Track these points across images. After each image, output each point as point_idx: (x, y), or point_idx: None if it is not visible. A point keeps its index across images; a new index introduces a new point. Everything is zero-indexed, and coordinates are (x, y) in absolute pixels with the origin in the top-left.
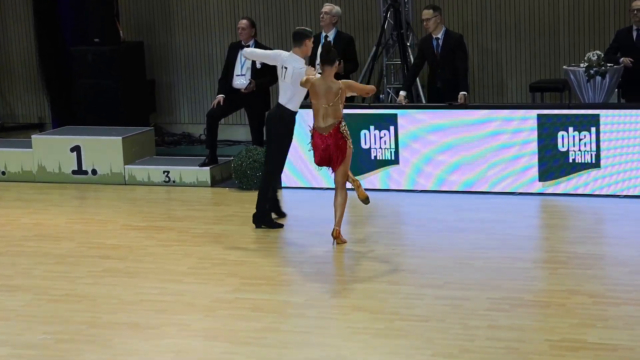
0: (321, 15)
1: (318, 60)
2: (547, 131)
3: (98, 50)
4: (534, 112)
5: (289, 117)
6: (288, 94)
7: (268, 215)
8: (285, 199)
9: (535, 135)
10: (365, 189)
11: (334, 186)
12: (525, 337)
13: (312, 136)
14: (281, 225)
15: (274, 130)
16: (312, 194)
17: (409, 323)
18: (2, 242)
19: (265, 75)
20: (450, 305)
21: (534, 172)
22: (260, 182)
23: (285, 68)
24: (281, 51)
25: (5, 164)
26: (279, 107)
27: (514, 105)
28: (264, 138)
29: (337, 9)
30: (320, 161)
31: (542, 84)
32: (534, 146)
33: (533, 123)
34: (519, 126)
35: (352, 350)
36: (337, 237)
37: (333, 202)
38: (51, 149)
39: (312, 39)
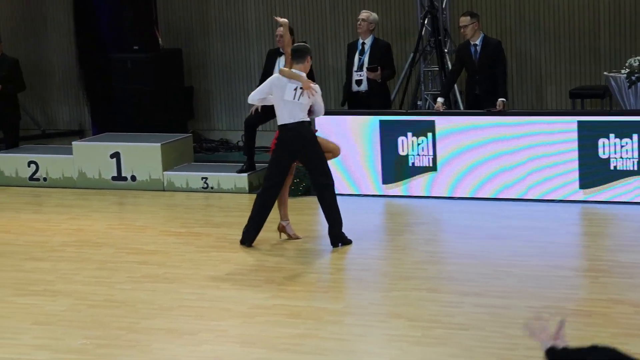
0: (358, 22)
1: (355, 67)
2: (587, 138)
3: (137, 57)
4: (574, 119)
5: (311, 129)
6: (302, 112)
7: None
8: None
9: (575, 142)
10: (404, 196)
11: (369, 193)
12: None
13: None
14: (350, 241)
15: (309, 148)
16: (347, 201)
17: (448, 331)
18: (43, 248)
19: None
20: (490, 313)
21: (575, 179)
22: (323, 201)
23: (301, 89)
24: (272, 77)
25: (47, 170)
26: (302, 125)
27: (554, 111)
28: (291, 156)
29: (374, 15)
30: None
31: (582, 90)
32: (574, 153)
33: (573, 130)
34: (559, 133)
35: (390, 357)
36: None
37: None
38: (91, 156)
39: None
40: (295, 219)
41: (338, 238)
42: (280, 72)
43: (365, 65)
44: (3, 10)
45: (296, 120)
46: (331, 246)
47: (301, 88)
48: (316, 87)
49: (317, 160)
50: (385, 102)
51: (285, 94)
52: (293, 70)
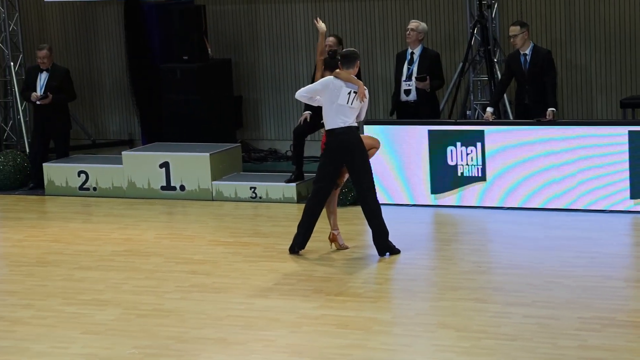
0: (407, 32)
1: (404, 77)
2: (638, 148)
3: (186, 67)
4: (625, 129)
5: (358, 134)
6: (353, 115)
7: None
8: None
9: (626, 152)
10: (452, 206)
11: (418, 203)
12: (618, 358)
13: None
14: (399, 251)
15: (357, 153)
16: (396, 211)
17: (496, 342)
18: (93, 257)
19: None
20: (539, 324)
21: (625, 188)
22: (366, 207)
23: (355, 92)
24: (327, 78)
25: (97, 179)
26: (350, 130)
27: (604, 121)
28: (338, 161)
29: (423, 25)
30: None
31: (633, 99)
32: (625, 163)
33: (624, 139)
34: (609, 143)
35: None
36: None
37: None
38: (141, 165)
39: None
40: (343, 228)
41: (385, 248)
42: (337, 74)
43: (414, 74)
44: (55, 21)
45: (346, 125)
46: (379, 256)
47: (355, 92)
48: (367, 92)
49: (362, 166)
50: (434, 111)
51: (340, 98)
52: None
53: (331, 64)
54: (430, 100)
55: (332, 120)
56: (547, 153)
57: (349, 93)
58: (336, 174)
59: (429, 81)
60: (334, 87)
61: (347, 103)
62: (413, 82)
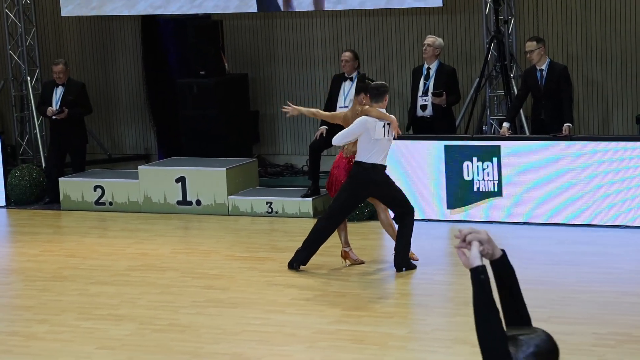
0: (424, 47)
1: (420, 92)
2: None
3: (203, 82)
4: None
5: (384, 173)
6: (389, 146)
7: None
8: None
9: None
10: (469, 221)
11: (434, 218)
12: None
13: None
14: (415, 266)
15: (383, 188)
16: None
17: None
18: (108, 272)
19: None
20: (556, 340)
21: None
22: (404, 228)
23: (388, 125)
24: (362, 119)
25: (113, 194)
26: (380, 169)
27: (621, 137)
28: (359, 198)
29: (439, 40)
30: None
31: None
32: None
33: None
34: (626, 157)
35: None
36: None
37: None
38: (157, 180)
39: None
40: (359, 243)
41: (403, 263)
42: (368, 112)
43: (431, 90)
44: (72, 36)
45: (380, 162)
46: (395, 271)
47: (388, 124)
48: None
49: (391, 195)
50: (450, 127)
51: (376, 133)
52: (379, 109)
53: (362, 88)
54: (447, 116)
55: (366, 154)
56: (564, 168)
57: (384, 126)
58: (354, 207)
59: (445, 96)
60: (370, 125)
61: (384, 136)
62: (429, 97)
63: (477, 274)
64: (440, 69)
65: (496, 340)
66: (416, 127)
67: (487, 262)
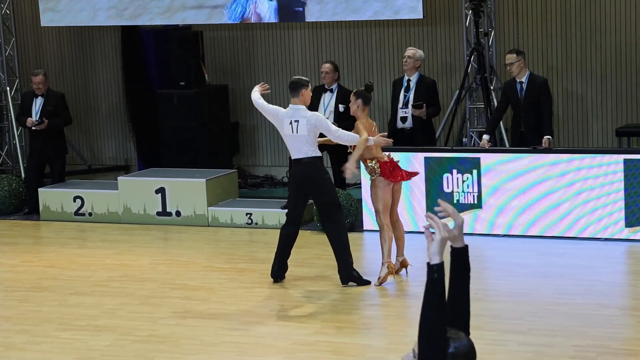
0: (404, 59)
1: (400, 104)
2: (634, 176)
3: (183, 93)
4: (621, 157)
5: (320, 164)
6: (307, 145)
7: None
8: (369, 242)
9: (622, 180)
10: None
11: (414, 230)
12: None
13: (380, 167)
14: (369, 282)
15: (314, 186)
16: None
17: None
18: (87, 283)
19: (348, 119)
20: (534, 352)
21: (621, 217)
22: (331, 238)
23: (297, 121)
24: (278, 107)
25: (92, 205)
26: (303, 164)
27: (600, 149)
28: (299, 197)
29: (420, 52)
30: (399, 176)
31: (629, 128)
32: (620, 192)
33: (619, 168)
34: (604, 171)
35: None
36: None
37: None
38: (136, 191)
39: (309, 88)
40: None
41: (349, 278)
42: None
43: (411, 102)
44: (51, 46)
45: (299, 157)
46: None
47: (296, 121)
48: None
49: (327, 197)
50: (430, 139)
51: (286, 128)
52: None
53: (367, 98)
54: (427, 128)
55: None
56: (543, 180)
57: (291, 122)
58: (303, 205)
59: (425, 109)
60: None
61: (293, 131)
62: (409, 109)
63: (432, 272)
64: (421, 80)
65: (435, 341)
66: (396, 139)
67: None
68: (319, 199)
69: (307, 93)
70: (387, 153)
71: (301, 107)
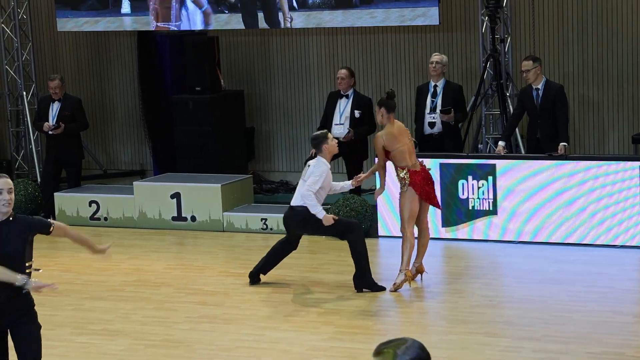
0: (432, 65)
1: (428, 110)
2: None
3: (199, 98)
4: (637, 164)
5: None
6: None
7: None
8: (384, 247)
9: (638, 187)
10: (464, 240)
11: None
12: None
13: (410, 177)
14: (384, 288)
15: (313, 226)
16: None
17: None
18: (103, 287)
19: (364, 124)
20: (549, 359)
21: (637, 224)
22: (350, 246)
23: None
24: (321, 168)
25: (108, 209)
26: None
27: (616, 156)
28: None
29: (445, 58)
30: (425, 194)
31: None
32: (636, 198)
33: (635, 175)
34: (621, 178)
35: None
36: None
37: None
38: (152, 196)
39: (329, 139)
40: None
41: (363, 285)
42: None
43: (439, 107)
44: (68, 51)
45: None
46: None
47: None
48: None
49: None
50: (457, 144)
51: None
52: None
53: (391, 105)
54: (455, 133)
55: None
56: (559, 188)
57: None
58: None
59: (453, 113)
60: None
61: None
62: (437, 114)
63: None
64: (447, 86)
65: None
66: (425, 145)
67: None
68: (326, 231)
69: (328, 146)
70: (420, 160)
71: (322, 160)
